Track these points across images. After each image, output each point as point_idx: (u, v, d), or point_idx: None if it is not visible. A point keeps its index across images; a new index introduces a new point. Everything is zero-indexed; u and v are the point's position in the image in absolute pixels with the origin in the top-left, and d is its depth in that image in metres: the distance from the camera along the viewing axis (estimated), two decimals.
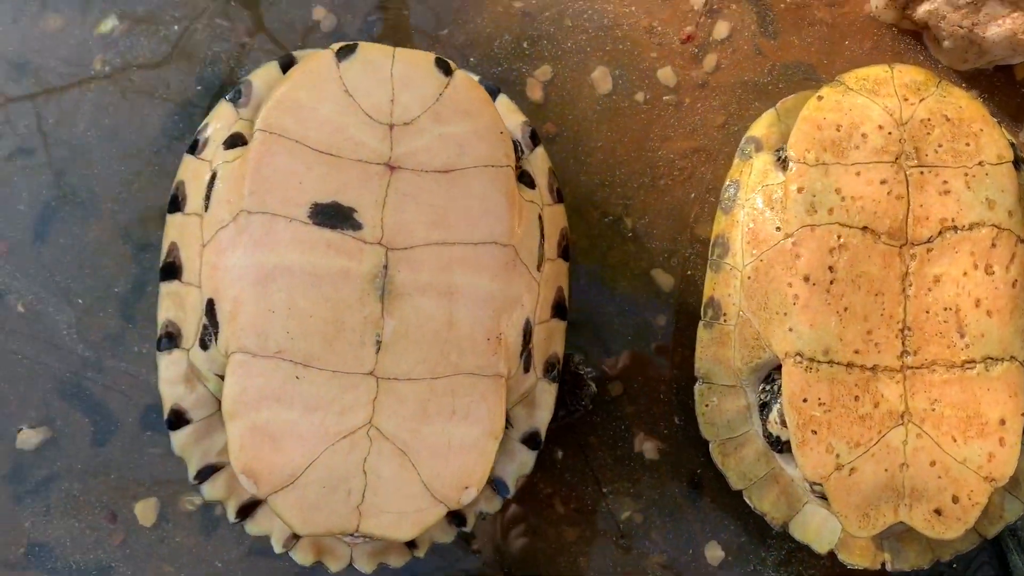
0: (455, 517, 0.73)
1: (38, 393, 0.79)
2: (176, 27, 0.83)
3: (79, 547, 0.78)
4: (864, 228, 0.70)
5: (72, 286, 0.80)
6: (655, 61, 0.86)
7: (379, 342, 0.66)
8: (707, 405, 0.77)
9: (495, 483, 0.73)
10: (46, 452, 0.79)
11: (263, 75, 0.74)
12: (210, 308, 0.66)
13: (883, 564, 0.74)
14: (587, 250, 0.83)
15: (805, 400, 0.69)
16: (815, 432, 0.69)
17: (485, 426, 0.68)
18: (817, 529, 0.75)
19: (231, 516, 0.71)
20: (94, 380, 0.80)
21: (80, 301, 0.80)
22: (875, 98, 0.73)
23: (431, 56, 0.71)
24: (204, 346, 0.67)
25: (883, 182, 0.70)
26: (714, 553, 0.81)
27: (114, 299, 0.80)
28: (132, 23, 0.83)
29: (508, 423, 0.72)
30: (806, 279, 0.70)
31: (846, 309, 0.69)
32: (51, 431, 0.79)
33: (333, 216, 0.66)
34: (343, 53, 0.69)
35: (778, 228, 0.72)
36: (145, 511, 0.79)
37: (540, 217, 0.73)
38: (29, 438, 0.79)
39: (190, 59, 0.83)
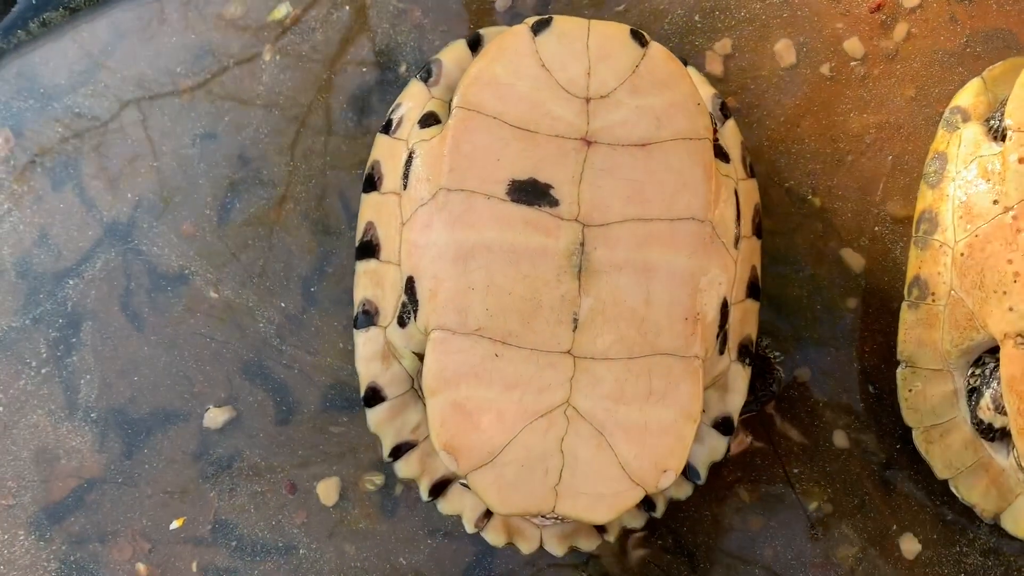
0: (645, 502, 0.71)
1: (223, 373, 0.81)
2: (348, 8, 0.83)
3: (263, 524, 0.79)
4: None
5: (254, 268, 0.81)
6: (841, 31, 0.82)
7: (576, 320, 0.65)
8: (911, 390, 0.73)
9: (686, 468, 0.71)
10: (231, 431, 0.80)
11: (451, 54, 0.73)
12: (410, 286, 0.66)
13: None
14: (772, 229, 0.80)
15: None
16: None
17: (683, 408, 0.65)
18: None
19: (424, 495, 0.70)
20: (276, 360, 0.81)
21: (263, 283, 0.81)
22: None
23: (626, 28, 0.69)
24: (402, 323, 0.67)
25: None
26: (910, 546, 0.77)
27: (296, 281, 0.81)
28: (304, 8, 0.84)
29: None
30: None
31: None
32: (235, 410, 0.80)
33: (530, 193, 0.65)
34: (538, 27, 0.68)
35: (996, 201, 0.68)
36: (327, 490, 0.79)
37: (736, 192, 0.70)
38: (216, 417, 0.80)
39: (366, 40, 0.83)
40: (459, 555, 0.79)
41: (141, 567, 0.79)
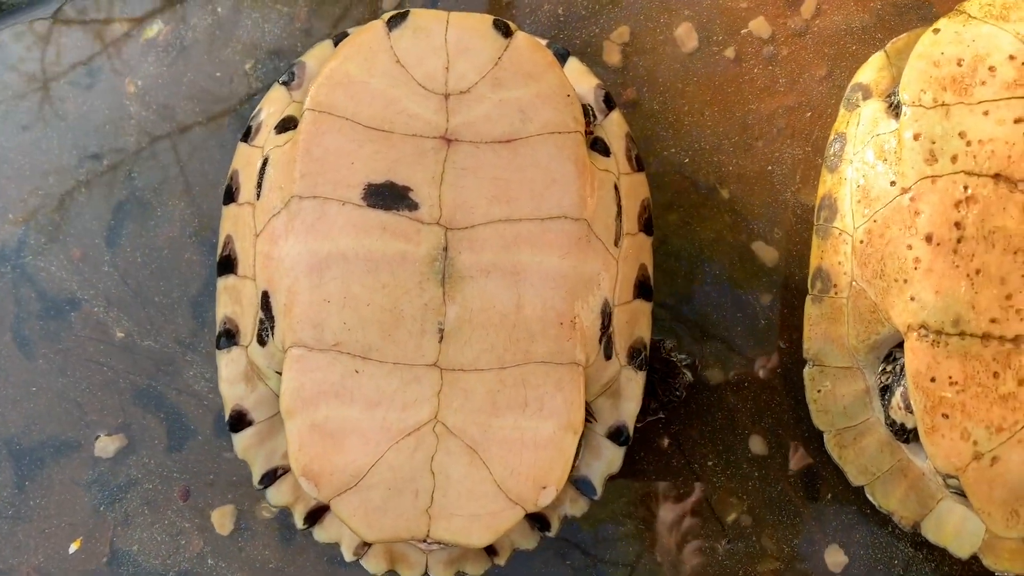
0: (538, 520, 0.67)
1: (115, 400, 0.78)
2: (222, 10, 0.80)
3: (159, 554, 0.76)
4: (996, 176, 0.60)
5: (144, 291, 0.78)
6: (745, 12, 0.77)
7: (442, 330, 0.61)
8: (819, 391, 0.68)
9: (580, 483, 0.67)
10: (123, 459, 0.77)
11: (317, 54, 0.70)
12: (265, 301, 0.63)
13: None
14: (679, 224, 0.76)
15: (933, 379, 0.60)
16: (947, 416, 0.59)
17: (562, 419, 0.61)
18: (955, 529, 0.65)
19: (298, 523, 0.67)
20: (168, 386, 0.78)
21: (153, 307, 0.78)
22: (1004, 24, 0.62)
23: (488, 18, 0.65)
24: (262, 342, 0.64)
25: (1018, 121, 0.60)
26: (835, 558, 0.72)
27: (186, 304, 0.78)
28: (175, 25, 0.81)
29: (591, 416, 0.66)
30: (928, 239, 0.60)
31: (978, 271, 0.59)
32: (127, 438, 0.77)
33: (387, 196, 0.61)
34: (394, 22, 0.64)
35: (893, 183, 0.63)
36: (222, 519, 0.76)
37: (616, 187, 0.66)
38: (107, 445, 0.77)
39: (251, 47, 0.80)
40: None
41: None
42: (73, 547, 0.76)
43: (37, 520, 0.77)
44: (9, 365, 0.78)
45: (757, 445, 0.73)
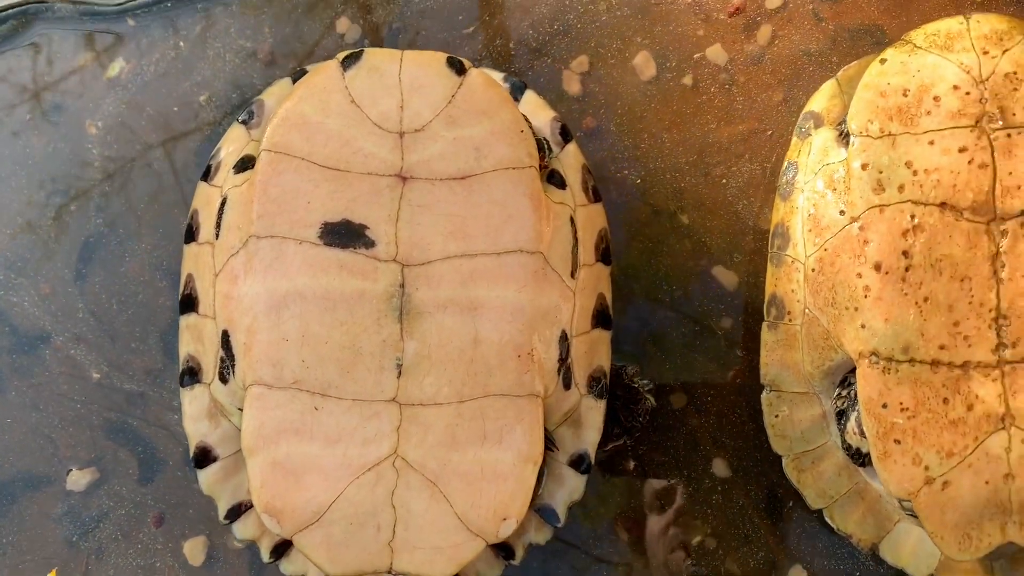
0: (503, 549, 0.68)
1: (85, 433, 0.78)
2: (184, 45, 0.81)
3: None
4: (942, 204, 0.61)
5: (114, 325, 0.79)
6: (702, 39, 0.78)
7: (400, 366, 0.62)
8: (777, 416, 0.69)
9: (543, 511, 0.68)
10: (95, 492, 0.78)
11: (276, 92, 0.71)
12: (225, 340, 0.63)
13: None
14: (639, 251, 0.77)
15: (885, 406, 0.61)
16: (898, 442, 0.60)
17: (521, 451, 0.62)
18: (912, 551, 0.66)
19: (265, 556, 0.67)
20: (139, 418, 0.78)
21: (122, 340, 0.79)
22: (948, 55, 0.63)
23: (442, 56, 0.66)
24: (223, 379, 0.65)
25: (962, 150, 0.61)
26: None
27: (155, 336, 0.79)
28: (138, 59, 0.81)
29: (553, 446, 0.67)
30: (877, 267, 0.61)
31: (926, 299, 0.60)
32: (99, 471, 0.78)
33: (344, 235, 0.62)
34: (348, 62, 0.65)
35: (842, 212, 0.64)
36: (194, 550, 0.77)
37: (572, 219, 0.67)
38: (78, 479, 0.78)
39: (214, 84, 0.81)
40: None
41: None
42: None
43: (10, 555, 0.77)
44: None
45: (720, 468, 0.74)
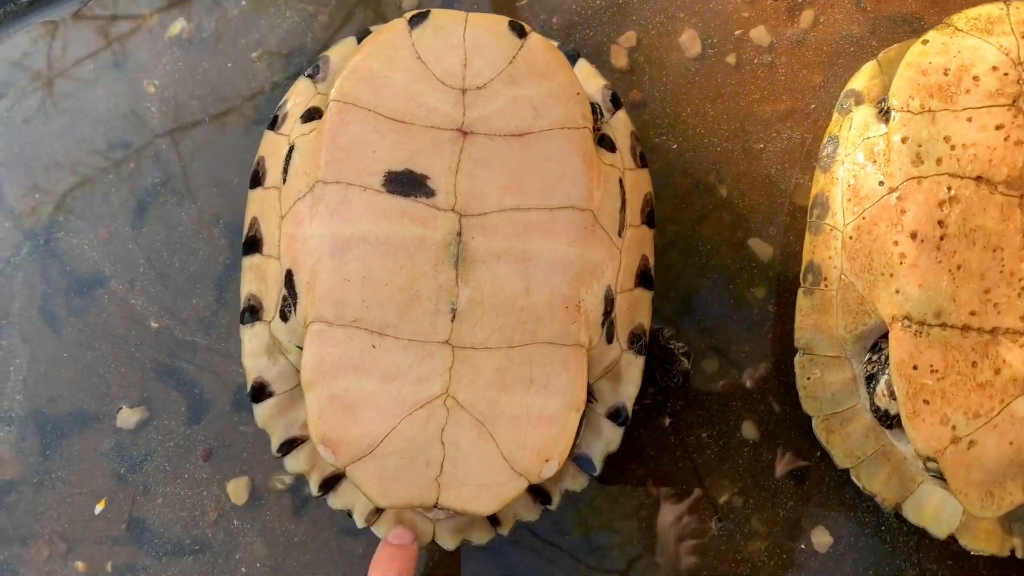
0: (540, 494, 0.71)
1: (137, 374, 0.81)
2: (246, 4, 0.84)
3: (177, 521, 0.80)
4: (978, 178, 0.64)
5: (168, 271, 0.82)
6: (747, 20, 0.81)
7: (454, 310, 0.65)
8: (809, 378, 0.72)
9: (580, 460, 0.71)
10: (144, 431, 0.81)
11: (340, 50, 0.74)
12: (289, 279, 0.66)
13: (1012, 550, 0.67)
14: (679, 220, 0.80)
15: (915, 367, 0.63)
16: (927, 402, 0.63)
17: (565, 397, 0.65)
18: (934, 511, 0.68)
19: (314, 489, 0.70)
20: (189, 361, 0.81)
21: (176, 285, 0.82)
22: (988, 37, 0.66)
23: (504, 19, 0.69)
24: (284, 318, 0.68)
25: (999, 127, 0.64)
26: (821, 539, 0.75)
27: (208, 282, 0.82)
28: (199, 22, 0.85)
29: (592, 397, 0.70)
30: (913, 236, 0.64)
31: (959, 267, 0.63)
32: (148, 411, 0.81)
33: (406, 184, 0.65)
34: (415, 21, 0.68)
35: (881, 183, 0.67)
36: (237, 490, 0.80)
37: (621, 181, 0.70)
38: (128, 417, 0.81)
39: (276, 46, 0.84)
40: (369, 551, 0.78)
41: (60, 568, 0.80)
42: (99, 507, 0.80)
43: (60, 487, 0.80)
44: (36, 340, 0.82)
45: (749, 430, 0.77)
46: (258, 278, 0.70)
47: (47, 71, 0.85)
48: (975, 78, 0.65)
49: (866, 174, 0.68)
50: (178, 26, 0.84)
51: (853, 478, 0.71)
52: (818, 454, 0.76)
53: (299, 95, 0.73)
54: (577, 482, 0.71)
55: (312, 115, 0.70)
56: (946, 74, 0.66)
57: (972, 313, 0.63)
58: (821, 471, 0.76)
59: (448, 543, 0.70)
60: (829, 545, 0.75)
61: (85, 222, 0.83)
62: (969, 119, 0.65)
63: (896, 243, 0.65)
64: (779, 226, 0.79)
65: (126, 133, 0.84)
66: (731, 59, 0.81)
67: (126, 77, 0.85)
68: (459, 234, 0.65)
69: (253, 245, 0.71)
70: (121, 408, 0.81)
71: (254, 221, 0.71)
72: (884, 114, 0.69)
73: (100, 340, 0.82)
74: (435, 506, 0.65)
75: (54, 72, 0.85)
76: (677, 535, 0.75)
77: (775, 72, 0.81)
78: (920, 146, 0.65)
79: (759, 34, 0.81)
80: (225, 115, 0.83)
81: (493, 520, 0.71)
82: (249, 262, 0.71)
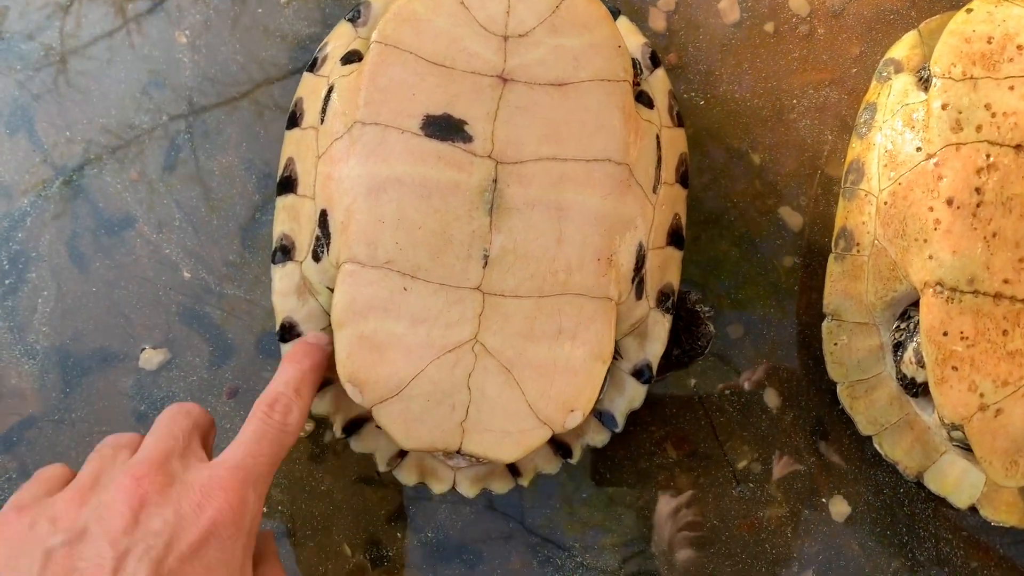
0: (560, 447, 0.71)
1: (161, 316, 0.81)
2: None
3: None
4: (1018, 147, 0.64)
5: (196, 215, 0.82)
6: None
7: (486, 257, 0.65)
8: (836, 344, 0.71)
9: (603, 416, 0.71)
10: (166, 372, 0.81)
11: None
12: (323, 219, 0.67)
13: None
14: (711, 186, 0.80)
15: (945, 334, 0.63)
16: (956, 368, 0.63)
17: (592, 348, 0.65)
18: (956, 481, 0.68)
19: (337, 431, 0.70)
20: (214, 306, 0.81)
21: (204, 229, 0.82)
22: None
23: None
24: (316, 258, 0.68)
25: None
26: (839, 508, 0.75)
27: (236, 228, 0.82)
28: None
29: (618, 354, 0.70)
30: (949, 202, 0.64)
31: (995, 235, 0.63)
32: (171, 353, 0.81)
33: (444, 128, 0.65)
34: None
35: (919, 149, 0.67)
36: None
37: (658, 139, 0.70)
38: (151, 358, 0.81)
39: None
40: (385, 502, 0.79)
41: None
42: None
43: (79, 425, 0.81)
44: (63, 277, 0.82)
45: (772, 398, 0.77)
46: (292, 218, 0.70)
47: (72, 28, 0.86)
48: (1019, 47, 0.65)
49: (904, 140, 0.68)
50: None
51: (876, 445, 0.71)
52: (839, 424, 0.75)
53: (340, 38, 0.73)
54: (599, 438, 0.71)
55: (352, 57, 0.70)
56: (990, 42, 0.66)
57: (1006, 281, 0.63)
58: (840, 440, 0.76)
59: (468, 491, 0.70)
60: (847, 515, 0.75)
61: (116, 161, 0.83)
62: (1011, 87, 0.64)
63: (931, 209, 0.65)
64: (810, 196, 0.79)
65: (160, 84, 0.84)
66: (769, 27, 0.81)
67: (158, 27, 0.85)
68: (495, 181, 0.65)
69: (288, 185, 0.71)
70: (144, 348, 0.81)
71: (290, 161, 0.71)
72: (924, 82, 0.69)
73: (126, 280, 0.82)
74: (458, 451, 0.65)
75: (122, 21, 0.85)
76: (675, 527, 0.75)
77: (813, 41, 0.80)
78: (960, 113, 0.65)
79: (798, 3, 0.81)
80: (255, 65, 0.83)
81: (514, 470, 0.71)
82: (283, 202, 0.71)
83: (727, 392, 0.77)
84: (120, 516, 0.54)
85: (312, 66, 0.73)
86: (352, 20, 0.73)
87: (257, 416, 0.61)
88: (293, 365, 0.64)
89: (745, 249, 0.79)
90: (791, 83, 0.80)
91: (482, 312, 0.65)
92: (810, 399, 0.77)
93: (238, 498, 0.56)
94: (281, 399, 0.62)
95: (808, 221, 0.79)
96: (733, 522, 0.76)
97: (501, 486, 0.71)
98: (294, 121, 0.72)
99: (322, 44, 0.74)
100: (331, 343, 0.67)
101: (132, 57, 0.84)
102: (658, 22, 0.82)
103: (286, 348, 0.70)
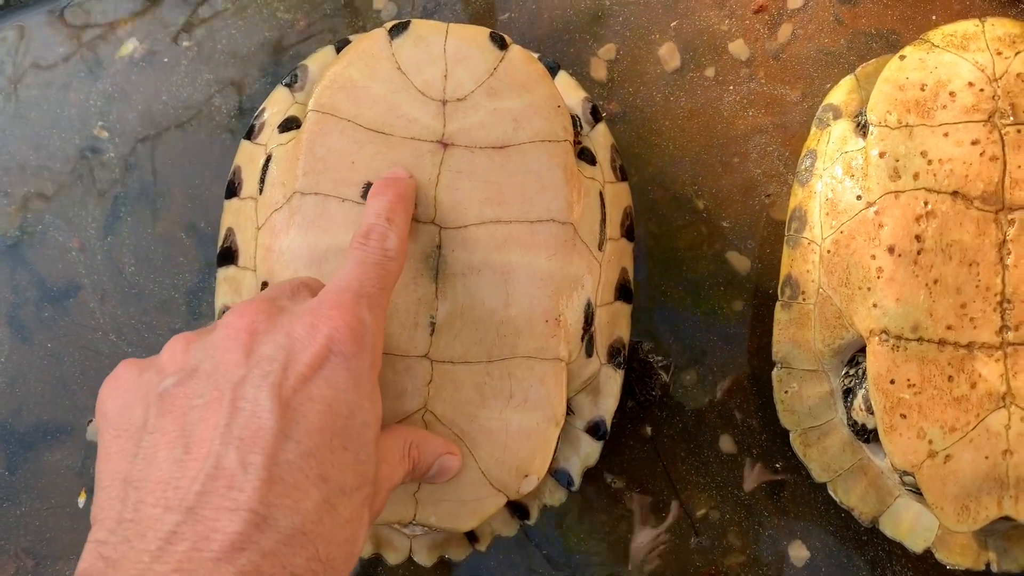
0: (518, 509, 0.70)
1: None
2: (232, 12, 0.83)
3: None
4: (954, 193, 0.64)
5: (140, 281, 0.81)
6: (726, 34, 0.82)
7: (433, 324, 0.64)
8: (786, 391, 0.72)
9: (559, 474, 0.70)
10: None
11: (319, 59, 0.73)
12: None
13: (987, 564, 0.68)
14: (657, 233, 0.80)
15: (892, 381, 0.64)
16: (904, 416, 0.63)
17: (544, 411, 0.65)
18: (911, 525, 0.69)
19: None
20: None
21: (147, 297, 0.81)
22: (964, 54, 0.67)
23: (485, 31, 0.69)
24: None
25: (975, 143, 0.65)
26: (799, 553, 0.75)
27: (182, 294, 0.81)
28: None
29: (571, 411, 0.69)
30: (891, 250, 0.65)
31: (936, 281, 0.64)
32: None
33: None
34: (396, 31, 0.68)
35: (859, 197, 0.67)
36: None
37: (601, 195, 0.70)
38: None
39: (253, 54, 0.83)
40: None
41: None
42: (80, 499, 0.78)
43: (27, 502, 0.79)
44: (4, 350, 0.80)
45: (727, 444, 0.77)
46: (233, 290, 0.69)
47: (13, 73, 0.84)
48: (951, 94, 0.66)
49: (844, 188, 0.68)
50: (151, 34, 0.83)
51: (830, 492, 0.71)
52: (794, 468, 0.76)
53: (276, 104, 0.72)
54: (555, 497, 0.71)
55: (290, 125, 0.69)
56: (923, 89, 0.67)
57: (948, 327, 0.64)
58: (796, 485, 0.76)
59: (425, 559, 0.70)
60: (806, 559, 0.75)
61: (56, 231, 0.82)
62: (946, 134, 0.65)
63: (873, 257, 0.65)
64: (756, 239, 0.79)
65: (96, 140, 0.83)
66: (710, 72, 0.81)
67: (95, 83, 0.83)
68: (439, 247, 0.65)
69: (228, 256, 0.70)
70: (91, 420, 0.79)
71: (229, 232, 0.70)
72: (862, 128, 0.70)
73: (70, 352, 0.80)
74: (412, 522, 0.64)
75: (19, 73, 0.84)
76: (651, 555, 0.75)
77: (754, 86, 0.81)
78: (897, 161, 0.65)
79: (738, 48, 0.81)
80: (196, 122, 0.82)
81: (471, 536, 0.70)
82: (224, 274, 0.70)
83: (682, 440, 0.77)
84: (229, 350, 0.51)
85: (249, 134, 0.72)
86: (289, 85, 0.72)
87: (355, 246, 0.58)
88: (377, 198, 0.61)
89: (695, 295, 0.79)
90: (734, 128, 0.80)
91: (431, 381, 0.64)
92: (765, 444, 0.77)
93: (352, 315, 0.53)
94: (375, 229, 0.59)
95: (755, 264, 0.79)
96: (695, 574, 0.75)
97: (458, 553, 0.70)
98: (232, 191, 0.71)
99: (259, 111, 0.73)
100: (411, 175, 0.64)
101: (67, 114, 0.82)
102: (599, 72, 0.82)
103: None
